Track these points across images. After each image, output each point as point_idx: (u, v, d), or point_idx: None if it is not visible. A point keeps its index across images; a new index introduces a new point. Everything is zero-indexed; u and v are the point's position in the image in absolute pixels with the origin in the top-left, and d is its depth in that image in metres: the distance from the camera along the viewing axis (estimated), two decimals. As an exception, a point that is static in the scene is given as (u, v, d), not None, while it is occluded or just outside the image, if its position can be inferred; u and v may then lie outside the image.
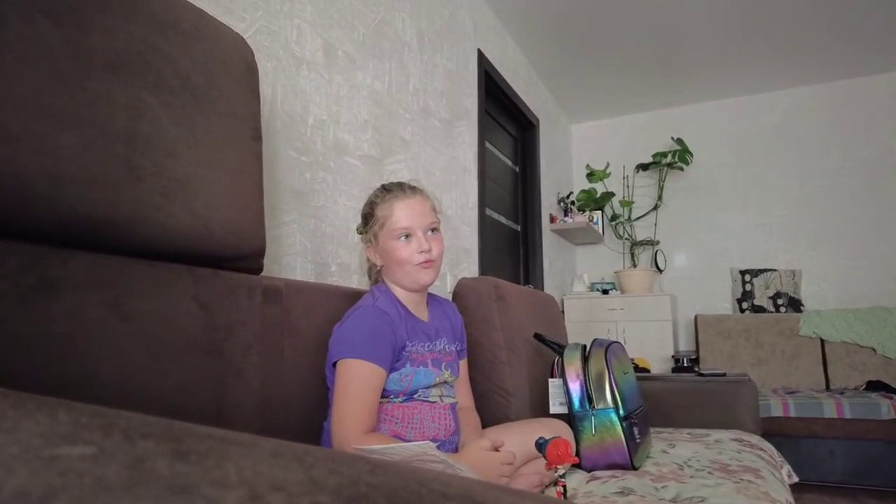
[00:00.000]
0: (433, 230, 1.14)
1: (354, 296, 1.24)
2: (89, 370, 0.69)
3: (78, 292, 0.70)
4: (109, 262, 0.75)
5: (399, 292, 1.16)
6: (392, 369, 1.06)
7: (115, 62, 0.73)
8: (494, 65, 2.96)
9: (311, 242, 1.52)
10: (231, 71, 0.90)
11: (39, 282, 0.66)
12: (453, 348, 1.23)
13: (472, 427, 1.22)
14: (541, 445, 1.01)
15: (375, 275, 1.21)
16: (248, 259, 0.95)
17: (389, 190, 1.15)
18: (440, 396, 1.13)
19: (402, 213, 1.10)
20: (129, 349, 0.74)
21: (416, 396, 1.10)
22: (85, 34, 0.70)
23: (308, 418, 1.07)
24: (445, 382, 1.16)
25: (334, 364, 1.03)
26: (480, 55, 2.79)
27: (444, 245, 1.16)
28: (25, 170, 0.63)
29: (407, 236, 1.10)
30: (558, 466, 0.99)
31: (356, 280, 1.69)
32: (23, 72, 0.63)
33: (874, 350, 3.22)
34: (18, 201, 0.63)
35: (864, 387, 3.09)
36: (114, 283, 0.74)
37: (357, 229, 1.23)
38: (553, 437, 1.01)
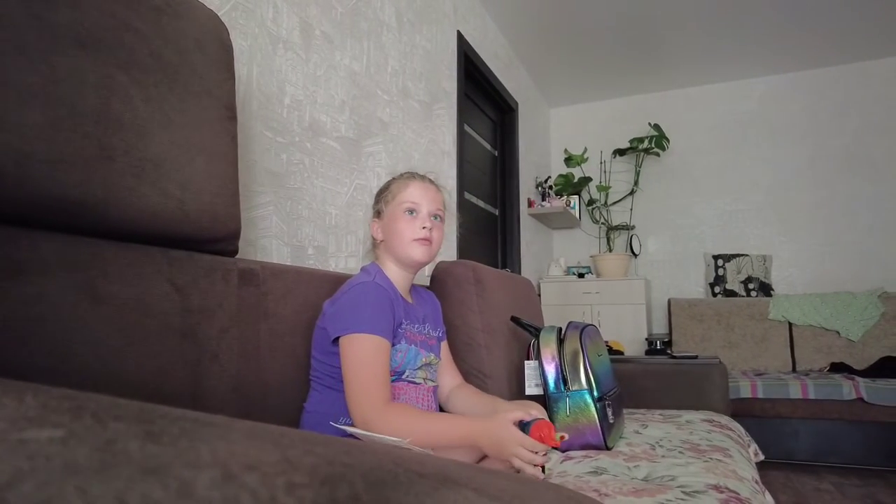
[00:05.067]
0: (437, 217, 1.20)
1: (332, 279, 1.23)
2: (61, 354, 0.68)
3: (48, 274, 0.68)
4: (81, 244, 0.73)
5: (391, 272, 1.18)
6: None
7: (84, 38, 0.70)
8: (474, 47, 2.94)
9: (287, 225, 1.50)
10: (205, 49, 0.88)
11: (7, 263, 0.65)
12: (436, 334, 1.27)
13: (475, 395, 1.27)
14: (524, 426, 1.01)
15: (376, 252, 1.25)
16: (224, 241, 0.94)
17: (409, 173, 1.24)
18: (424, 379, 1.18)
19: (414, 190, 1.18)
20: (102, 332, 0.73)
21: (403, 377, 1.13)
22: (52, 8, 0.67)
23: (286, 401, 1.07)
24: (430, 364, 1.20)
25: (335, 340, 1.04)
26: (460, 37, 2.77)
27: (442, 237, 1.22)
28: (-10, 148, 0.61)
29: (413, 212, 1.17)
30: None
31: (333, 263, 1.69)
32: (-15, 46, 0.61)
33: (838, 333, 3.32)
34: (-17, 180, 0.61)
35: (828, 368, 3.19)
36: (86, 265, 0.73)
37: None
38: (535, 419, 1.01)
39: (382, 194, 1.22)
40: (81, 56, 0.70)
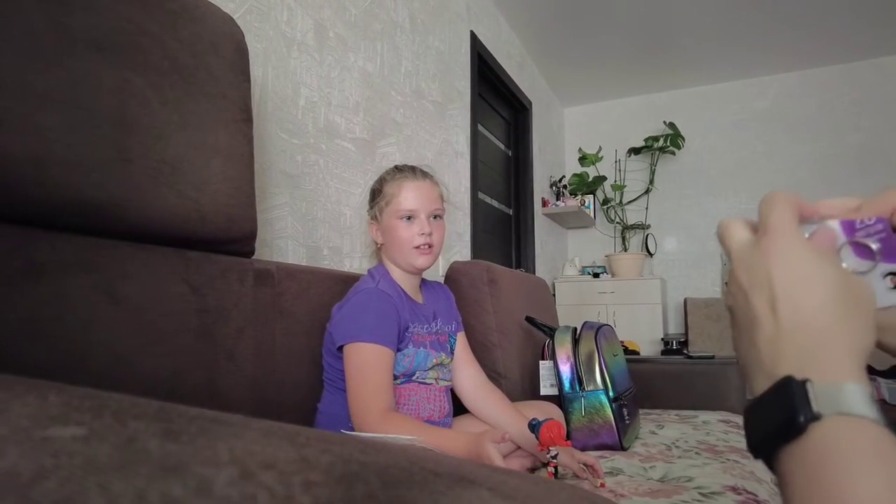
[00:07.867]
0: (436, 217, 1.15)
1: (347, 279, 1.24)
2: (80, 353, 0.69)
3: (67, 275, 0.69)
4: (99, 245, 0.74)
5: (396, 274, 1.17)
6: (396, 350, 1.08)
7: (100, 42, 0.71)
8: (487, 47, 2.94)
9: (302, 226, 1.51)
10: (220, 52, 0.89)
11: (27, 265, 0.66)
12: (448, 328, 1.24)
13: (506, 411, 1.20)
14: (534, 427, 1.01)
15: (379, 255, 1.22)
16: (240, 242, 0.94)
17: (401, 170, 1.17)
18: (436, 379, 1.16)
19: (409, 194, 1.12)
20: (120, 332, 0.74)
21: (413, 378, 1.12)
22: (69, 13, 0.68)
23: (301, 401, 1.08)
24: (442, 364, 1.18)
25: (339, 348, 1.04)
26: (473, 37, 2.77)
27: (444, 233, 1.17)
28: (9, 151, 0.62)
29: (410, 218, 1.12)
30: (550, 448, 1.00)
31: (348, 264, 1.69)
32: (4, 51, 0.62)
33: (860, 333, 3.27)
34: (3, 183, 0.62)
35: (849, 369, 3.14)
36: (104, 267, 0.74)
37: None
38: (546, 419, 1.01)
39: (376, 198, 1.16)
40: (98, 60, 0.71)
